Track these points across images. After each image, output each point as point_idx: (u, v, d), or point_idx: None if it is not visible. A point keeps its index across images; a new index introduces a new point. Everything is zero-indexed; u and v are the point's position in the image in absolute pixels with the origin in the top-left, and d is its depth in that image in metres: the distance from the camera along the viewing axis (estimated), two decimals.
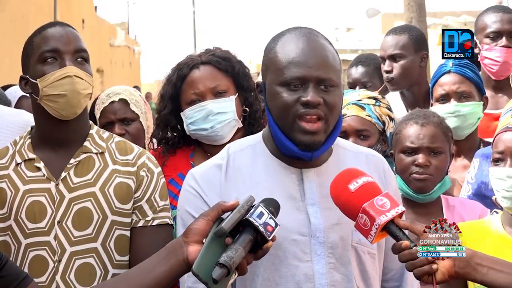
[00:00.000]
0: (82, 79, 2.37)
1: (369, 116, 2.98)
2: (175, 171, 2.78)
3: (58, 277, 2.33)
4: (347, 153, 2.11)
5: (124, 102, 3.22)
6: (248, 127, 2.80)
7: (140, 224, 2.40)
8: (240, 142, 2.15)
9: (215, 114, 2.71)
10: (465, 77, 3.20)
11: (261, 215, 1.74)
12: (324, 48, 2.00)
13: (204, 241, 1.75)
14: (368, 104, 3.01)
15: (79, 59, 2.39)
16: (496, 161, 2.39)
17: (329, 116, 1.96)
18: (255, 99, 2.84)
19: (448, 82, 3.20)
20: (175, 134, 2.87)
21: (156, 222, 2.41)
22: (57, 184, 2.38)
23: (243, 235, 1.72)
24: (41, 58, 2.38)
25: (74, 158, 2.41)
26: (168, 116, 2.83)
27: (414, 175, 2.71)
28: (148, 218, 2.41)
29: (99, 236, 2.36)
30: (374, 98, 3.05)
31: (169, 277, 1.76)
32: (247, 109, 2.81)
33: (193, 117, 2.74)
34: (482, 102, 3.22)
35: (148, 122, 3.32)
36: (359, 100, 3.01)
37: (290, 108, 1.95)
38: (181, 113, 2.79)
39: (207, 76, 2.76)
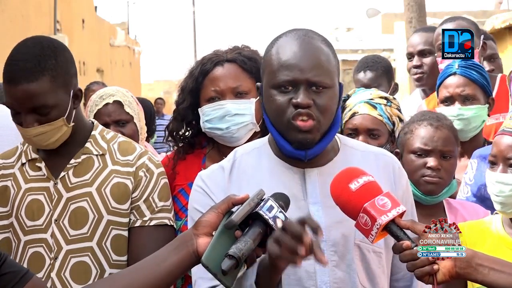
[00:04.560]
0: (45, 133, 2.32)
1: (380, 115, 2.97)
2: (186, 180, 2.71)
3: (53, 274, 2.35)
4: (355, 153, 2.11)
5: (118, 104, 3.22)
6: (265, 130, 2.67)
7: (138, 224, 2.40)
8: (246, 145, 2.17)
9: (233, 115, 2.65)
10: (470, 79, 3.17)
11: (271, 208, 1.74)
12: (318, 50, 2.00)
13: (214, 233, 1.75)
14: (379, 104, 3.01)
15: (39, 112, 2.29)
16: (491, 164, 2.38)
17: (320, 117, 1.98)
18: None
19: (453, 85, 3.19)
20: (190, 130, 2.80)
21: (153, 222, 2.41)
22: (55, 183, 2.40)
23: (253, 228, 1.73)
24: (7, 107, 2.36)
25: (75, 159, 2.42)
26: (186, 110, 2.76)
27: (426, 178, 2.68)
28: (145, 218, 2.41)
29: (94, 236, 2.37)
30: (386, 98, 3.05)
31: (179, 269, 1.76)
32: None
33: (210, 115, 2.67)
34: (487, 105, 3.21)
35: (141, 123, 3.31)
36: (371, 99, 3.01)
37: (283, 110, 1.97)
38: (199, 109, 2.71)
39: (230, 74, 2.68)
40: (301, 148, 1.99)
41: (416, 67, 4.08)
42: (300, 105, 1.95)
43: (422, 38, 4.10)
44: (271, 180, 2.02)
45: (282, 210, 1.76)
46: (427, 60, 4.04)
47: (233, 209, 1.78)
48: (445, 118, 2.82)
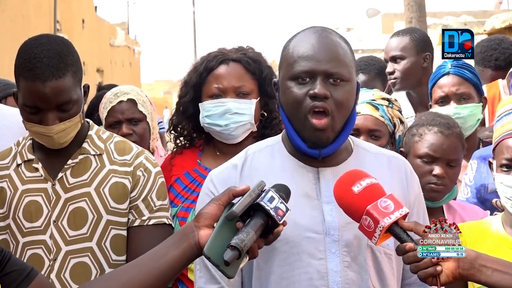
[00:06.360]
0: (65, 129, 2.32)
1: (382, 117, 2.98)
2: (182, 170, 2.77)
3: (53, 276, 2.34)
4: (368, 155, 2.12)
5: (132, 102, 3.25)
6: (261, 129, 2.78)
7: (136, 223, 2.40)
8: (259, 143, 2.18)
9: (233, 113, 2.69)
10: (464, 78, 3.20)
11: (272, 199, 1.74)
12: (335, 44, 2.02)
13: (215, 225, 1.74)
14: (381, 105, 3.01)
15: (63, 108, 2.29)
16: (504, 167, 2.32)
17: (335, 112, 1.98)
18: (277, 107, 2.77)
19: (447, 84, 3.21)
20: (188, 123, 2.84)
21: (152, 221, 2.41)
22: (53, 184, 2.39)
23: (254, 219, 1.72)
24: (24, 106, 2.31)
25: (72, 160, 2.41)
26: (187, 104, 2.81)
27: (432, 185, 2.68)
28: (144, 218, 2.41)
29: (94, 236, 2.37)
30: (388, 99, 3.05)
31: (181, 261, 1.75)
32: (265, 114, 2.78)
33: (211, 111, 2.71)
34: (481, 103, 3.23)
35: (153, 122, 3.34)
36: (373, 100, 3.01)
37: (300, 102, 1.98)
38: (200, 104, 2.76)
39: (234, 74, 2.73)
40: (315, 147, 1.99)
41: (389, 73, 4.07)
42: (317, 95, 1.95)
43: (394, 43, 4.08)
44: (283, 178, 2.01)
45: (283, 201, 1.75)
46: (399, 66, 4.02)
47: (234, 201, 1.77)
48: (454, 125, 2.79)
